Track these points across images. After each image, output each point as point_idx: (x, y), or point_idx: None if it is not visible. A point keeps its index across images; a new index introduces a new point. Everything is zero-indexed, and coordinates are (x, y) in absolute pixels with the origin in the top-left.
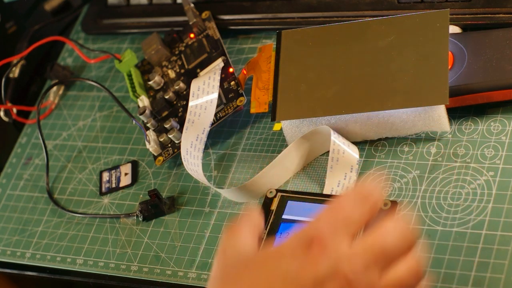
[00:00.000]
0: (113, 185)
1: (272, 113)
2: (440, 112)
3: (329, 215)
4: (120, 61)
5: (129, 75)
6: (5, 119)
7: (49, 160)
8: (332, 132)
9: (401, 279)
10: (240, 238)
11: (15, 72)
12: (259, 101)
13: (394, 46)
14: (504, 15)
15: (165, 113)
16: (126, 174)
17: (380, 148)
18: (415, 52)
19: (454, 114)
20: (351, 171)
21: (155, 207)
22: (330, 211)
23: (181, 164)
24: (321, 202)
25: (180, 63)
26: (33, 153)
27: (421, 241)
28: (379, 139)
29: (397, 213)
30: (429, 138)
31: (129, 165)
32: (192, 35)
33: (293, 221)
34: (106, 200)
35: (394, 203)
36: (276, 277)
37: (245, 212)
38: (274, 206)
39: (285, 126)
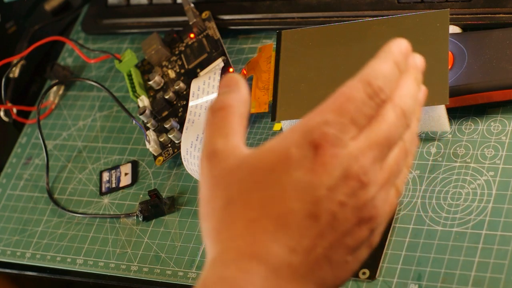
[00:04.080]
0: (113, 185)
1: (272, 113)
2: (440, 112)
3: (335, 108)
4: (120, 61)
5: (129, 75)
6: (5, 119)
7: (49, 160)
8: None
9: (397, 162)
10: (229, 137)
11: (15, 72)
12: (259, 101)
13: None
14: (504, 15)
15: (165, 113)
16: (126, 174)
17: None
18: (415, 52)
19: (454, 114)
20: None
21: (155, 207)
22: (336, 102)
23: (181, 164)
24: None
25: (180, 63)
26: (33, 153)
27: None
28: None
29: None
30: (429, 138)
31: (129, 165)
32: (192, 35)
33: None
34: (106, 200)
35: None
36: (288, 189)
37: (225, 84)
38: None
39: (285, 126)
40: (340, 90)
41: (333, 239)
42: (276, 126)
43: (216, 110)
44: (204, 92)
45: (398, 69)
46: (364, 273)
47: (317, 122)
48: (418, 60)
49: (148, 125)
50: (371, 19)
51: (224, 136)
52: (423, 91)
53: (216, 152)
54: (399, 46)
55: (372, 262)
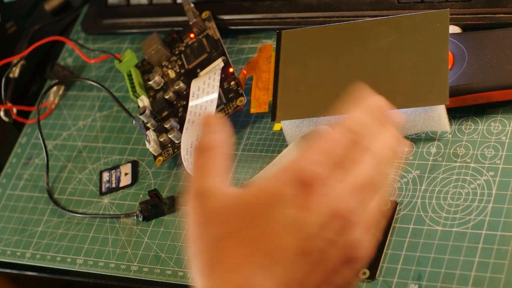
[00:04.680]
0: (113, 185)
1: (272, 113)
2: (440, 112)
3: (322, 150)
4: (120, 61)
5: (129, 75)
6: (5, 119)
7: (49, 160)
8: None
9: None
10: (216, 177)
11: (15, 72)
12: (259, 101)
13: (394, 46)
14: (504, 15)
15: (165, 113)
16: (126, 174)
17: None
18: (415, 52)
19: (454, 114)
20: None
21: (155, 207)
22: (323, 145)
23: (181, 164)
24: None
25: (180, 63)
26: (33, 153)
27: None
28: None
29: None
30: (429, 138)
31: (129, 165)
32: (192, 35)
33: None
34: (106, 200)
35: (394, 203)
36: (280, 225)
37: (207, 124)
38: None
39: (285, 126)
40: (327, 135)
41: (322, 276)
42: (276, 126)
43: (203, 151)
44: (204, 92)
45: (376, 122)
46: (364, 273)
47: (308, 163)
48: (396, 115)
49: (148, 125)
50: (371, 19)
51: (212, 176)
52: (401, 144)
53: (205, 191)
54: (378, 102)
55: (372, 262)
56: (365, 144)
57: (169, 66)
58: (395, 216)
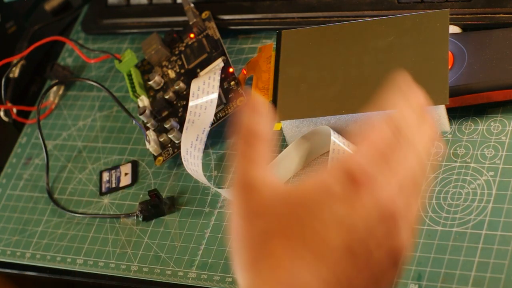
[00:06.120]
0: (113, 185)
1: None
2: (440, 112)
3: (372, 147)
4: (120, 61)
5: (129, 75)
6: (5, 119)
7: (49, 160)
8: (332, 132)
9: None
10: (264, 169)
11: (15, 72)
12: None
13: (394, 46)
14: (504, 15)
15: (165, 113)
16: (126, 174)
17: None
18: (415, 52)
19: (454, 114)
20: None
21: (155, 207)
22: (372, 142)
23: (181, 164)
24: None
25: (180, 63)
26: (33, 153)
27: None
28: None
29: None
30: None
31: (129, 165)
32: (192, 35)
33: None
34: (106, 200)
35: None
36: (329, 223)
37: (254, 108)
38: None
39: (285, 126)
40: (374, 132)
41: (367, 277)
42: (276, 126)
43: (250, 137)
44: (204, 92)
45: (417, 119)
46: None
47: (358, 159)
48: (430, 116)
49: (148, 125)
50: (371, 19)
51: (258, 166)
52: (437, 141)
53: (252, 184)
54: (417, 95)
55: None
56: (409, 141)
57: (169, 66)
58: None
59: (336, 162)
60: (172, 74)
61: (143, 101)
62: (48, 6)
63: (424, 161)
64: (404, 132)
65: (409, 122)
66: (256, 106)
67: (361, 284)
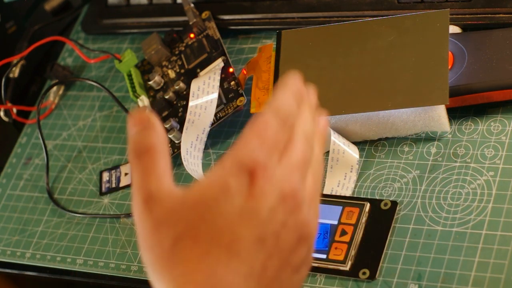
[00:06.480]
0: (113, 185)
1: None
2: (440, 112)
3: (257, 136)
4: (120, 61)
5: (129, 75)
6: (5, 119)
7: (49, 160)
8: (332, 132)
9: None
10: (162, 180)
11: (15, 72)
12: (259, 101)
13: (394, 46)
14: (504, 15)
15: (165, 113)
16: (126, 174)
17: (380, 148)
18: (415, 52)
19: (454, 114)
20: (351, 171)
21: None
22: (256, 131)
23: (181, 164)
24: (321, 202)
25: (180, 63)
26: (33, 153)
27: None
28: (379, 139)
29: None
30: (429, 138)
31: (129, 165)
32: (192, 35)
33: None
34: (106, 200)
35: (394, 203)
36: (233, 217)
37: (138, 122)
38: None
39: None
40: (256, 119)
41: (280, 259)
42: None
43: (142, 154)
44: (204, 92)
45: (295, 101)
46: (364, 273)
47: (246, 150)
48: (310, 93)
49: None
50: (371, 19)
51: (157, 179)
52: (323, 119)
53: (152, 196)
54: (294, 79)
55: (372, 262)
56: (292, 124)
57: (169, 66)
58: (395, 216)
59: (227, 157)
60: (172, 74)
61: (143, 101)
62: (48, 6)
63: (310, 139)
64: (285, 117)
65: (289, 107)
66: (143, 120)
67: (277, 267)
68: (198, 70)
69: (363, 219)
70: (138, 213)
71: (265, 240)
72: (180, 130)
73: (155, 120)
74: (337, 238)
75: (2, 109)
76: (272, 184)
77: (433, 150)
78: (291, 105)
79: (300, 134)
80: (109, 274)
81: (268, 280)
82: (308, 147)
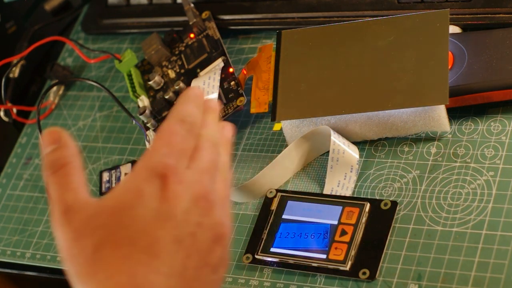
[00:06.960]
0: (113, 185)
1: (272, 113)
2: (440, 112)
3: (165, 143)
4: (120, 61)
5: (129, 75)
6: (5, 119)
7: None
8: (332, 132)
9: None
10: (77, 191)
11: (15, 72)
12: (259, 101)
13: (394, 46)
14: (504, 15)
15: (165, 113)
16: (126, 174)
17: (380, 148)
18: (415, 52)
19: (454, 114)
20: (351, 171)
21: None
22: (164, 138)
23: None
24: (321, 202)
25: (180, 63)
26: (33, 153)
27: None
28: (379, 139)
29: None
30: (429, 138)
31: (129, 165)
32: (192, 35)
33: (293, 221)
34: None
35: (394, 203)
36: (149, 220)
37: (52, 141)
38: (274, 206)
39: (285, 126)
40: (162, 128)
41: (199, 258)
42: (276, 126)
43: (57, 170)
44: (204, 92)
45: (199, 109)
46: (364, 273)
47: (156, 157)
48: (212, 103)
49: (148, 125)
50: (371, 19)
51: (73, 191)
52: (228, 126)
53: (70, 207)
54: (194, 91)
55: (372, 262)
56: (197, 132)
57: (169, 66)
58: (395, 216)
59: (138, 164)
60: (172, 74)
61: (143, 101)
62: (48, 6)
63: (217, 146)
64: (190, 125)
65: (193, 117)
66: (56, 138)
67: (196, 267)
68: (198, 70)
69: (363, 219)
70: (58, 225)
71: (182, 240)
72: None
73: (67, 137)
74: (337, 238)
75: (2, 109)
76: (183, 187)
77: (433, 150)
78: (195, 114)
79: (206, 141)
80: None
81: (189, 279)
82: (215, 153)
